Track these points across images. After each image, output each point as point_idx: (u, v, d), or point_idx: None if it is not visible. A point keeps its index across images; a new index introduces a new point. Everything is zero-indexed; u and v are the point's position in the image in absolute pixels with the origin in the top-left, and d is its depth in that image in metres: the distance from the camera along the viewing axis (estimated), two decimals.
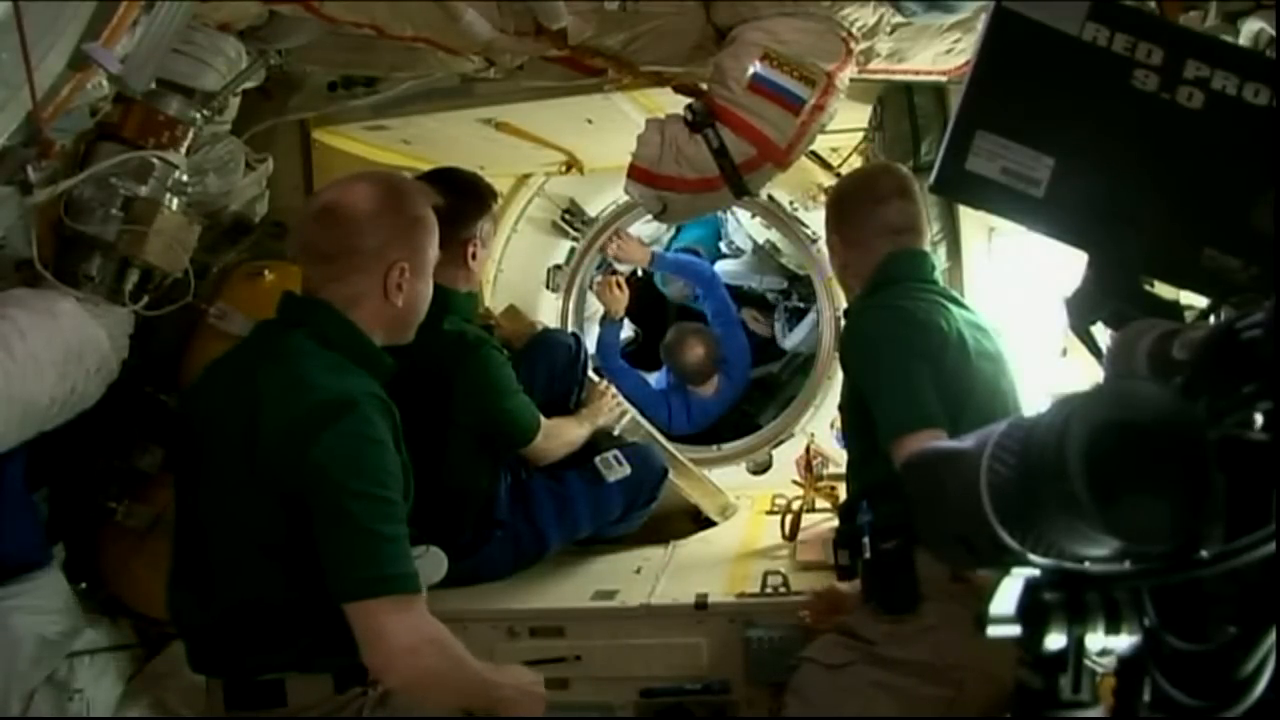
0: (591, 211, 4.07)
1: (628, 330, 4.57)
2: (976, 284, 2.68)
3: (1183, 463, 0.69)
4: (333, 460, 1.55)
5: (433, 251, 1.79)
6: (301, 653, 1.64)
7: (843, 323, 3.47)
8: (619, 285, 4.13)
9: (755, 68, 2.19)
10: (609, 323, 4.17)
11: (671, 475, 3.00)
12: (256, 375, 1.67)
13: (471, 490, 2.63)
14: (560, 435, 2.75)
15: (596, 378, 3.14)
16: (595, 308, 4.38)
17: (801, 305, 4.64)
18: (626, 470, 2.82)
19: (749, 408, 4.34)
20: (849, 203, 2.23)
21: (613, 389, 3.03)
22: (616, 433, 2.98)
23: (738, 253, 4.83)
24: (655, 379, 4.34)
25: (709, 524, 3.18)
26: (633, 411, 3.09)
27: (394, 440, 1.64)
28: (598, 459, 2.81)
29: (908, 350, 1.96)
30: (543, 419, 2.67)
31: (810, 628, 2.25)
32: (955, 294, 2.20)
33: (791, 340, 4.53)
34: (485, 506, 2.66)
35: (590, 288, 4.22)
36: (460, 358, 2.54)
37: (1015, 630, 0.79)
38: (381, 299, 1.71)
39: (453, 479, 2.56)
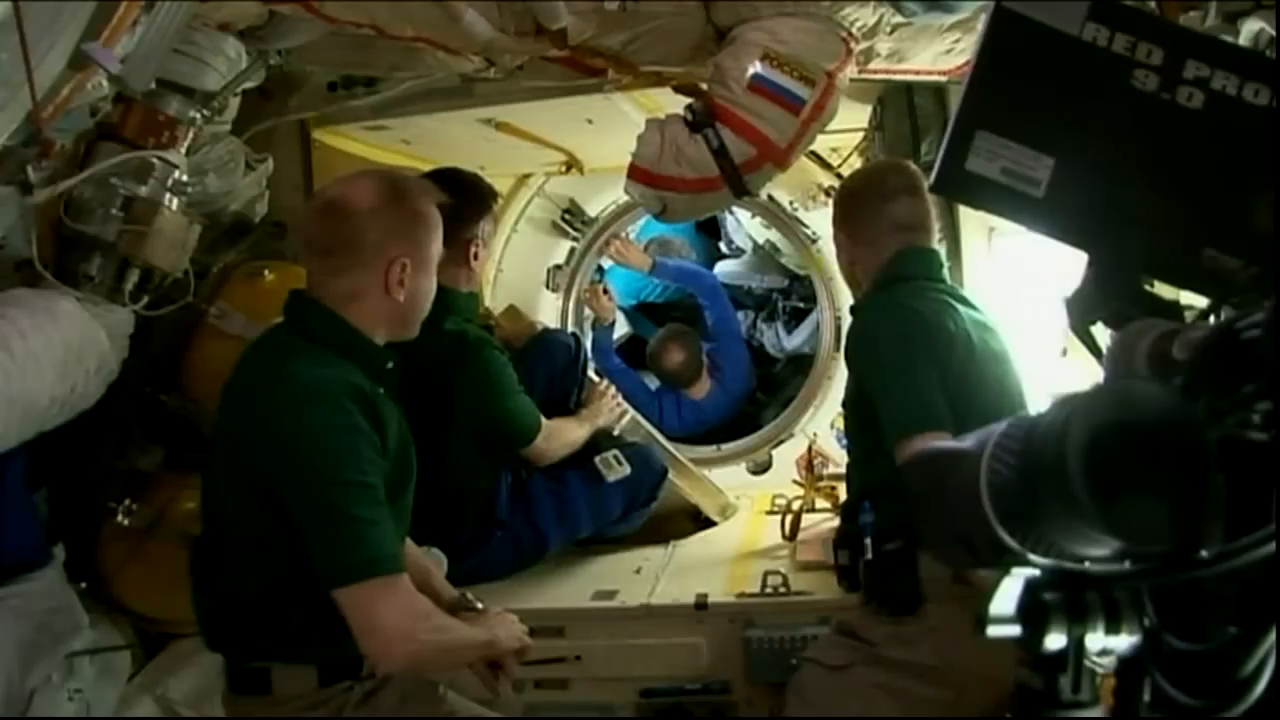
0: (591, 211, 4.07)
1: (625, 328, 4.57)
2: (976, 284, 2.67)
3: (1183, 463, 0.69)
4: (306, 450, 1.57)
5: (435, 248, 1.79)
6: (282, 643, 1.67)
7: (843, 323, 3.50)
8: (606, 292, 4.16)
9: (755, 68, 2.19)
10: (600, 327, 4.20)
11: (671, 475, 3.01)
12: (247, 373, 1.74)
13: (471, 490, 2.63)
14: (561, 436, 2.75)
15: (597, 378, 3.14)
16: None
17: (800, 305, 4.62)
18: (626, 470, 2.82)
19: (749, 407, 4.33)
20: (857, 199, 2.23)
21: (613, 389, 3.03)
22: (616, 433, 2.99)
23: (738, 253, 4.82)
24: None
25: (709, 524, 3.19)
26: (633, 412, 3.10)
27: (378, 429, 1.64)
28: (597, 459, 2.81)
29: (914, 350, 1.95)
30: (543, 419, 2.67)
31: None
32: (962, 292, 2.20)
33: (793, 342, 4.51)
34: (485, 506, 2.66)
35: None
36: (461, 358, 2.54)
37: (1015, 630, 0.79)
38: (383, 294, 1.71)
39: (453, 479, 2.56)
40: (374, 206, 1.70)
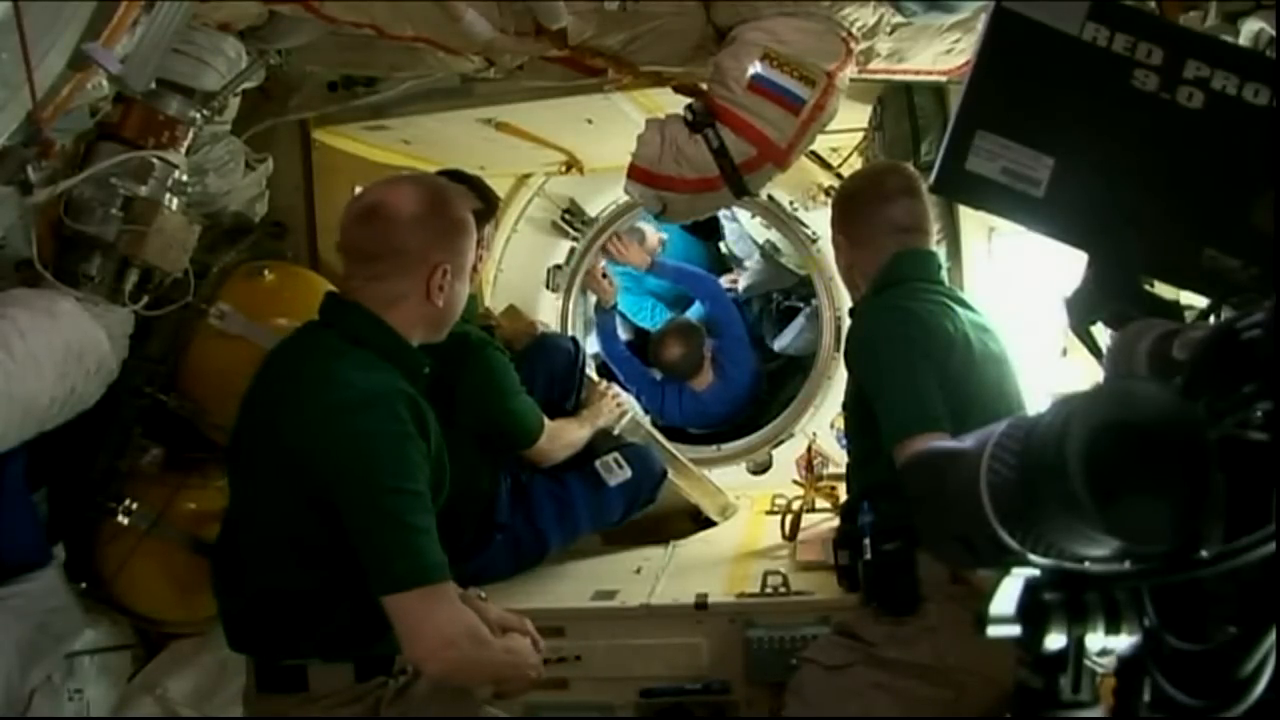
0: (591, 211, 4.06)
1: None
2: (976, 284, 2.68)
3: (1183, 463, 0.69)
4: (362, 457, 1.59)
5: (471, 254, 1.84)
6: (322, 641, 1.69)
7: (844, 323, 3.50)
8: (605, 275, 4.19)
9: (755, 68, 2.19)
10: (602, 310, 4.24)
11: (671, 475, 3.01)
12: (285, 373, 1.75)
13: (473, 493, 2.62)
14: (562, 436, 2.75)
15: (596, 378, 3.14)
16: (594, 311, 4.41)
17: (790, 304, 4.61)
18: (628, 474, 2.82)
19: (754, 410, 4.33)
20: (855, 201, 2.23)
21: (613, 389, 3.04)
22: (616, 432, 2.98)
23: (740, 262, 4.79)
24: None
25: (709, 524, 3.19)
26: (633, 411, 3.10)
27: (424, 434, 1.67)
28: (598, 462, 2.81)
29: (913, 351, 1.95)
30: (545, 419, 2.68)
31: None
32: (961, 295, 2.20)
33: (780, 342, 4.51)
34: (486, 509, 2.65)
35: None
36: (464, 359, 2.54)
37: (1015, 630, 0.79)
38: (423, 299, 1.74)
39: (455, 481, 2.55)
40: (418, 213, 1.72)
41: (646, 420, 3.28)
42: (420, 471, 1.63)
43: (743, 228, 4.53)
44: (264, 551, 1.71)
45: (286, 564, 1.68)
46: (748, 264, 4.68)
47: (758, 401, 4.23)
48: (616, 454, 2.84)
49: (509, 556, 2.68)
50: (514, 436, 2.65)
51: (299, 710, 1.70)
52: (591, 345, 4.36)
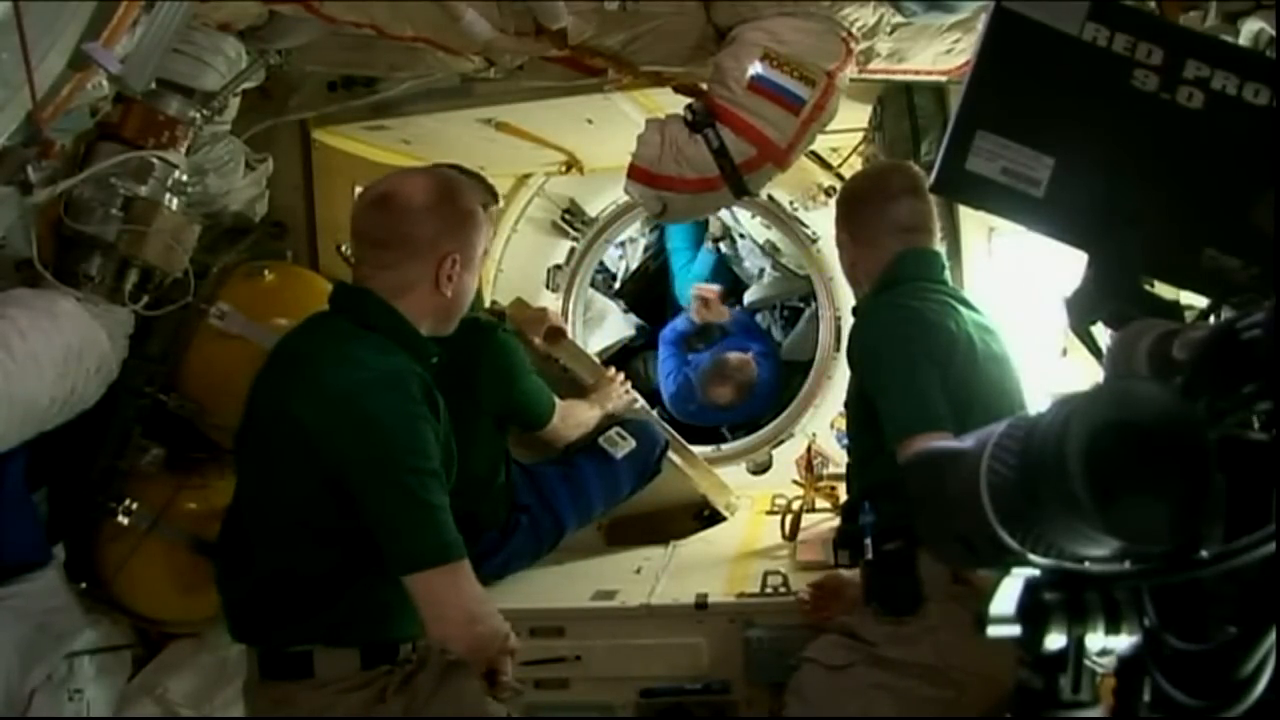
0: (591, 211, 4.07)
1: (627, 330, 4.60)
2: (976, 284, 2.67)
3: (1183, 463, 0.69)
4: (383, 437, 1.61)
5: (482, 247, 1.87)
6: (329, 626, 1.70)
7: (844, 323, 3.50)
8: (706, 299, 4.27)
9: (755, 68, 2.19)
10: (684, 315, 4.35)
11: (682, 464, 3.02)
12: (299, 357, 1.76)
13: (495, 488, 2.62)
14: (573, 415, 2.77)
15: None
16: (595, 310, 4.42)
17: (795, 306, 4.60)
18: (632, 444, 2.84)
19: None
20: (859, 200, 2.23)
21: (620, 375, 3.05)
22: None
23: (750, 277, 4.76)
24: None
25: (709, 523, 3.19)
26: (641, 400, 3.12)
27: (436, 417, 1.69)
28: (601, 439, 2.83)
29: (916, 351, 1.95)
30: (556, 399, 2.68)
31: (812, 625, 2.24)
32: (964, 294, 2.20)
33: (790, 345, 4.50)
34: (509, 501, 2.66)
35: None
36: (481, 342, 2.54)
37: (1015, 630, 0.79)
38: (432, 288, 1.76)
39: (478, 477, 2.54)
40: (429, 202, 1.75)
41: (654, 413, 3.31)
42: (435, 451, 1.66)
43: (749, 242, 4.53)
44: (274, 535, 1.72)
45: (297, 547, 1.69)
46: (762, 277, 4.67)
47: (778, 397, 4.20)
48: (618, 428, 2.86)
49: (530, 544, 2.68)
50: (531, 416, 2.66)
51: (304, 696, 1.71)
52: (602, 340, 4.41)
